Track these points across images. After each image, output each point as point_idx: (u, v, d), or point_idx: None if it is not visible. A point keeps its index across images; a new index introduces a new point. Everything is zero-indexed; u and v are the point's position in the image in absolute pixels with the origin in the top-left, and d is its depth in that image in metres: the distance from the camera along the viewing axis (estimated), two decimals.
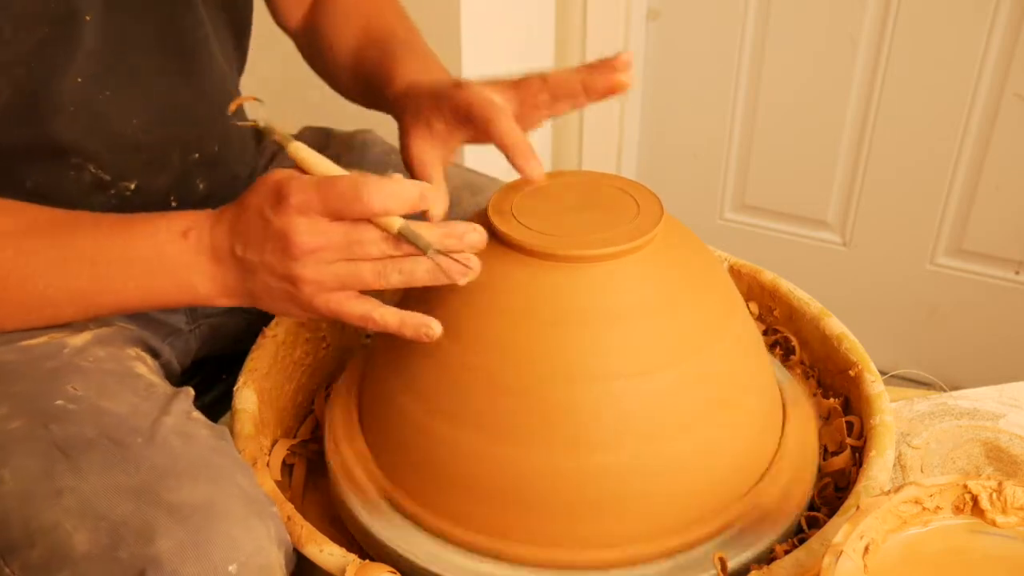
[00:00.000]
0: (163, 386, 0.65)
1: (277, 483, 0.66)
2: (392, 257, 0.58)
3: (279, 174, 0.58)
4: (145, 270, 0.60)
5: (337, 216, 0.56)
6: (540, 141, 1.68)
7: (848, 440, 0.71)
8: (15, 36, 0.62)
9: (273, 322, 0.77)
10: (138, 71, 0.70)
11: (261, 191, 0.58)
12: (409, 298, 0.68)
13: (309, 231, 0.56)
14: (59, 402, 0.60)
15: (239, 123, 0.67)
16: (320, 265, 0.57)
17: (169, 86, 0.73)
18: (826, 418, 0.76)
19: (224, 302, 0.62)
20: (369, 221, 0.57)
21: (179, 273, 0.60)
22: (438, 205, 0.62)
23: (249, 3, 0.83)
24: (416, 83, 0.73)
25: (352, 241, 0.57)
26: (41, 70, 0.65)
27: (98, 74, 0.68)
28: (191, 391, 0.65)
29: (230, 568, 0.53)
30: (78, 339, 0.66)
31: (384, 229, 0.57)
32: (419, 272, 0.58)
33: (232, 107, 0.65)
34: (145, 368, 0.67)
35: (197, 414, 0.63)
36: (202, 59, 0.75)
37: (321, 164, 0.60)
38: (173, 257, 0.60)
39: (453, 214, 0.91)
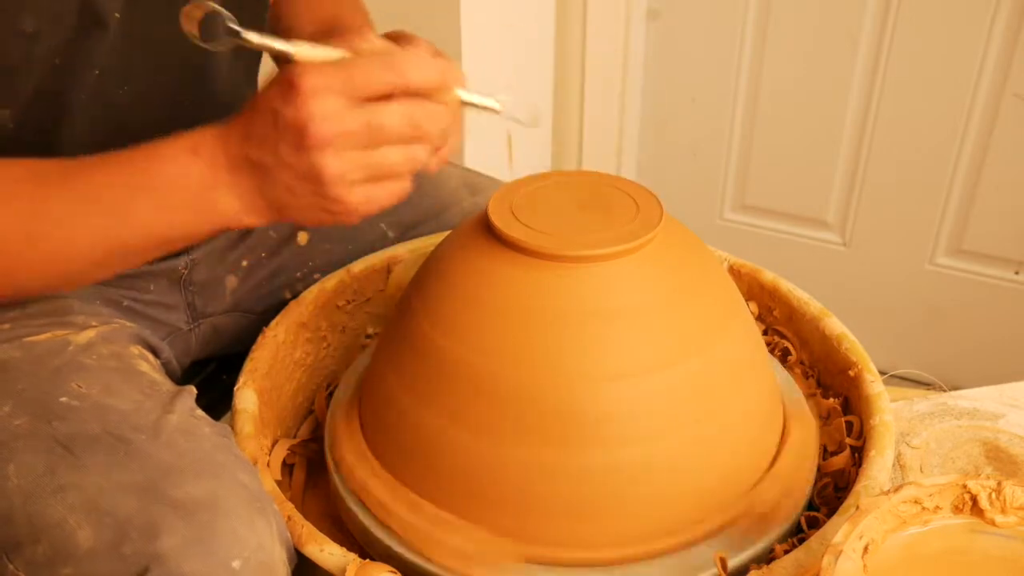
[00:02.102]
0: (166, 384, 0.65)
1: (277, 483, 0.66)
2: (418, 137, 0.54)
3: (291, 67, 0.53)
4: (162, 197, 0.57)
5: (361, 95, 0.52)
6: (540, 141, 1.68)
7: (848, 440, 0.72)
8: (48, 31, 0.61)
9: (273, 322, 0.77)
10: (156, 68, 0.69)
11: (272, 86, 0.53)
12: (409, 297, 0.68)
13: (325, 117, 0.51)
14: (63, 399, 0.60)
15: (204, 45, 0.56)
16: (342, 156, 0.53)
17: (182, 83, 0.72)
18: (826, 418, 0.76)
19: (251, 220, 0.58)
20: (386, 100, 0.53)
21: (198, 194, 0.57)
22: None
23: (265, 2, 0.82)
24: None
25: (373, 125, 0.53)
26: (67, 66, 0.64)
27: (117, 68, 0.66)
28: (193, 389, 0.65)
29: (234, 564, 0.53)
30: (82, 337, 0.66)
31: (440, 102, 0.54)
32: (445, 134, 0.55)
33: (188, 18, 0.56)
34: (148, 366, 0.67)
35: (200, 412, 0.63)
36: (217, 58, 0.74)
37: (331, 54, 0.54)
38: (188, 177, 0.56)
39: (453, 213, 0.91)
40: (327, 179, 0.54)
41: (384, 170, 0.55)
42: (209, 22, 0.54)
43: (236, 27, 0.54)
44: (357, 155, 0.54)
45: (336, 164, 0.53)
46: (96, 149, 0.65)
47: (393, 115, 0.54)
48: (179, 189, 0.57)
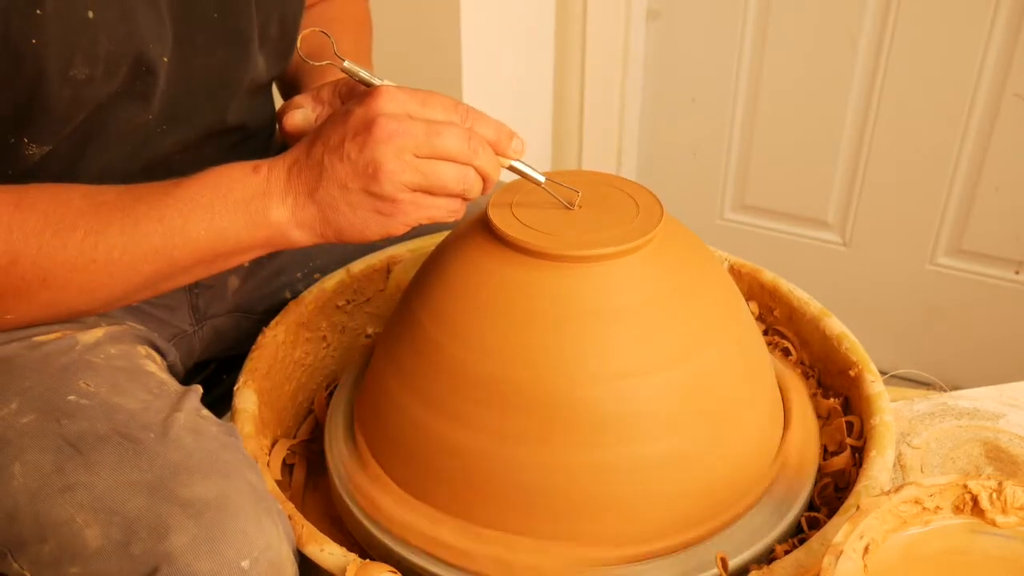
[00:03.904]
0: (173, 383, 0.65)
1: (277, 483, 0.66)
2: (469, 162, 0.59)
3: None
4: (215, 207, 0.59)
5: (429, 117, 0.58)
6: (540, 141, 1.68)
7: (848, 440, 0.71)
8: (101, 80, 0.62)
9: (273, 322, 0.77)
10: (195, 108, 0.71)
11: (353, 101, 0.59)
12: (409, 297, 0.68)
13: (393, 117, 0.57)
14: (71, 398, 0.60)
15: (315, 63, 0.66)
16: (402, 154, 0.57)
17: (215, 121, 0.73)
18: (826, 418, 0.76)
19: (299, 234, 0.60)
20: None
21: (249, 201, 0.59)
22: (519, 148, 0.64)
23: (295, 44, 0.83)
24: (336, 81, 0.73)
25: (434, 136, 0.57)
26: (112, 109, 0.65)
27: (163, 109, 0.68)
28: (200, 388, 0.65)
29: (243, 564, 0.53)
30: (89, 336, 0.66)
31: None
32: (493, 175, 0.61)
33: (301, 43, 0.67)
34: (155, 366, 0.67)
35: (206, 411, 0.63)
36: (246, 96, 0.76)
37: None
38: (243, 186, 0.59)
39: None
40: (384, 173, 0.57)
41: (437, 183, 0.59)
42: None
43: (338, 54, 0.63)
44: (414, 160, 0.57)
45: (394, 160, 0.57)
46: (119, 176, 0.66)
47: (453, 134, 0.58)
48: (231, 197, 0.59)
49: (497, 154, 0.62)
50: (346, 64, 0.62)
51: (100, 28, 0.60)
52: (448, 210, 0.61)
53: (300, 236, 0.61)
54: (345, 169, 0.58)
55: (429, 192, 0.59)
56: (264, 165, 0.60)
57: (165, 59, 0.65)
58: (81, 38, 0.59)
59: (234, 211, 0.59)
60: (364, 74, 0.62)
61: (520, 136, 0.63)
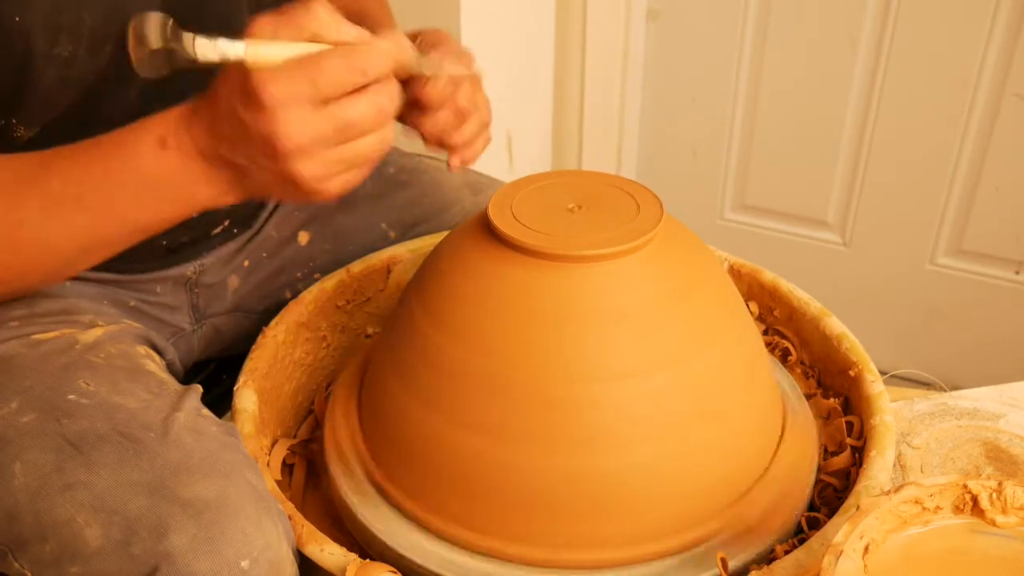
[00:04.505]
0: (173, 383, 0.65)
1: (277, 483, 0.66)
2: (383, 124, 0.54)
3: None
4: (143, 194, 0.56)
5: (326, 97, 0.52)
6: (540, 141, 1.68)
7: (848, 440, 0.71)
8: (85, 57, 0.62)
9: (273, 322, 0.77)
10: (186, 87, 0.70)
11: (228, 86, 0.53)
12: (409, 297, 0.68)
13: (294, 124, 0.51)
14: (71, 397, 0.60)
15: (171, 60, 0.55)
16: (316, 158, 0.53)
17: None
18: (826, 418, 0.76)
19: (230, 200, 0.58)
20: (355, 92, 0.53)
21: (178, 189, 0.56)
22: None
23: None
24: None
25: (342, 124, 0.52)
26: (104, 88, 0.64)
27: (152, 89, 0.66)
28: (199, 388, 0.65)
29: (243, 564, 0.53)
30: (89, 335, 0.66)
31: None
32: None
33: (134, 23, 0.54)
34: (155, 365, 0.67)
35: (206, 411, 0.63)
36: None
37: (285, 51, 0.52)
38: (162, 172, 0.55)
39: (453, 213, 0.91)
40: (305, 181, 0.54)
41: (360, 159, 0.55)
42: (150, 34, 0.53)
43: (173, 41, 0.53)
44: (331, 153, 0.54)
45: (311, 167, 0.53)
46: None
47: (359, 108, 0.53)
48: (159, 186, 0.56)
49: (407, 66, 0.57)
50: (194, 51, 0.53)
51: (84, 5, 0.60)
52: (371, 169, 0.57)
53: (233, 200, 0.58)
54: (266, 175, 0.54)
55: (353, 167, 0.55)
56: (171, 139, 0.55)
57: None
58: (65, 15, 0.59)
59: (163, 198, 0.56)
60: (228, 51, 0.52)
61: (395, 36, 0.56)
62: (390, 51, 0.54)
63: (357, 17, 0.81)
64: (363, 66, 0.52)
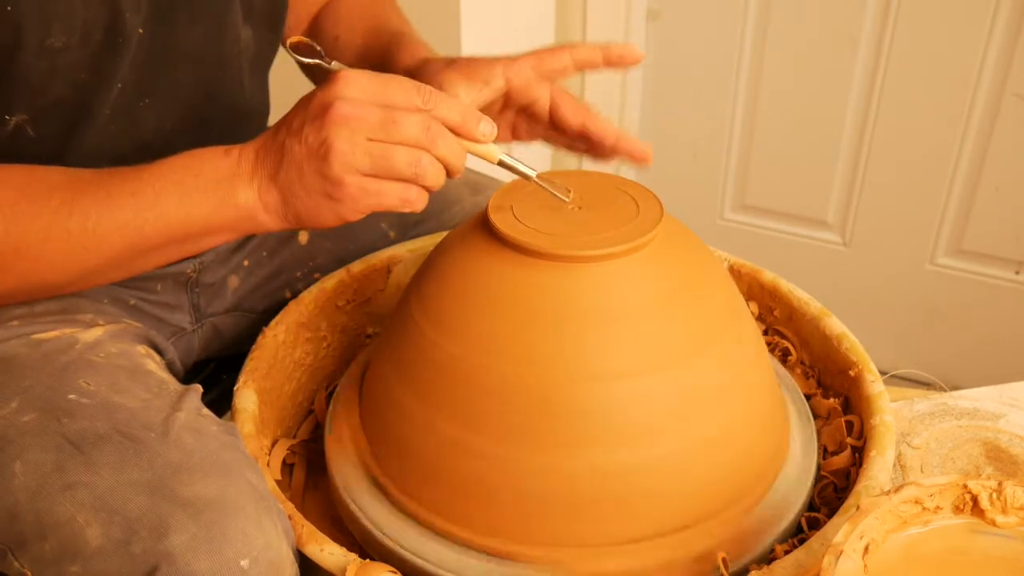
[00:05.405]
0: (173, 383, 0.65)
1: (277, 483, 0.66)
2: (426, 148, 0.58)
3: None
4: (186, 186, 0.59)
5: (388, 102, 0.57)
6: (540, 141, 1.68)
7: (848, 440, 0.71)
8: (75, 47, 0.62)
9: (273, 322, 0.77)
10: (174, 82, 0.70)
11: (300, 116, 0.59)
12: (409, 296, 0.68)
13: (349, 100, 0.56)
14: (72, 396, 0.60)
15: (305, 60, 0.66)
16: (354, 137, 0.56)
17: (197, 96, 0.73)
18: (826, 418, 0.76)
19: (266, 218, 0.60)
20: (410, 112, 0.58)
21: (219, 182, 0.59)
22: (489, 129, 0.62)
23: (284, 17, 0.83)
24: (430, 58, 0.74)
25: (390, 122, 0.57)
26: (90, 80, 0.65)
27: (139, 82, 0.68)
28: (200, 388, 0.65)
29: (242, 563, 0.53)
30: (89, 335, 0.66)
31: (482, 156, 0.60)
32: (455, 162, 0.60)
33: (290, 41, 0.67)
34: (155, 365, 0.67)
35: (206, 410, 0.63)
36: (235, 73, 0.75)
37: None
38: (215, 171, 0.59)
39: (453, 212, 0.91)
40: (334, 154, 0.56)
41: (385, 165, 0.57)
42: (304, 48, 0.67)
43: (326, 61, 0.65)
44: (366, 142, 0.57)
45: (345, 142, 0.56)
46: (111, 157, 0.66)
47: (410, 118, 0.57)
48: (202, 177, 0.59)
49: (464, 138, 0.60)
50: (306, 60, 0.65)
51: None
52: (400, 197, 0.59)
53: (268, 220, 0.60)
54: (301, 151, 0.58)
55: (377, 176, 0.58)
56: (236, 148, 0.60)
57: (140, 30, 0.65)
58: (57, 5, 0.60)
59: (204, 191, 0.59)
60: (327, 64, 0.64)
61: (490, 119, 0.61)
62: (460, 109, 0.59)
63: (374, 31, 0.82)
64: (430, 98, 0.58)
